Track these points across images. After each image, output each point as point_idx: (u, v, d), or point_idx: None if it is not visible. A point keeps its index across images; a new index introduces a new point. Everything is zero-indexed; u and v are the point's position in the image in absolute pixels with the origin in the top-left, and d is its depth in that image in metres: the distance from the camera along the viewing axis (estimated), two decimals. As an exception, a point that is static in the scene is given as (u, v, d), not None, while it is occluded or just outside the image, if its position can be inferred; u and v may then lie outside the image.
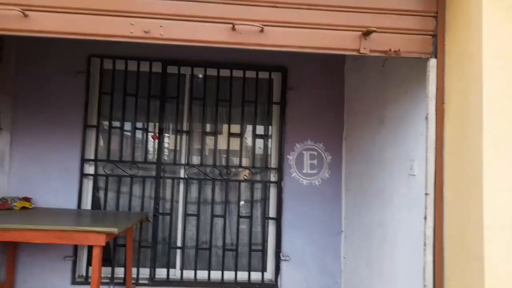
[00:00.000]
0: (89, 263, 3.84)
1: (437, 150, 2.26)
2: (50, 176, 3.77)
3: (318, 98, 3.91)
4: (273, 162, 3.98)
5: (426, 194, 2.26)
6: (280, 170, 3.86)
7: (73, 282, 3.68)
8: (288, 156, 3.86)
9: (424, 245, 2.25)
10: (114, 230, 2.81)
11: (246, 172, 3.92)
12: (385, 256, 2.88)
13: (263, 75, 3.94)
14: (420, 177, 2.43)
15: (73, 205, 3.76)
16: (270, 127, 3.98)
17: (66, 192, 3.77)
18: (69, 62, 3.84)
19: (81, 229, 2.82)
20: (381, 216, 2.98)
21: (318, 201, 3.84)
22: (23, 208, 3.55)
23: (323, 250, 3.81)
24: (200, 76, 4.00)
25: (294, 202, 3.83)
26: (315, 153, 3.86)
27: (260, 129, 4.04)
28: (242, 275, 3.85)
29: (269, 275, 3.93)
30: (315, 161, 3.85)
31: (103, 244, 2.83)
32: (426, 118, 2.30)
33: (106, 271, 3.78)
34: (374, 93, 3.25)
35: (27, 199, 3.64)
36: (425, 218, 2.26)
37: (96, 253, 2.82)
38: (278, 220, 3.83)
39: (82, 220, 3.34)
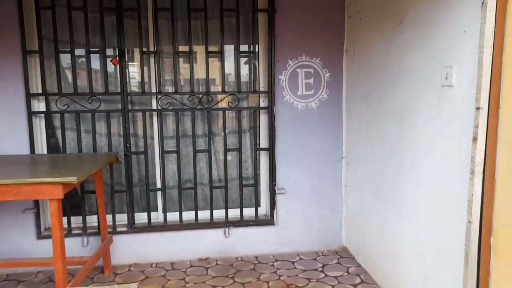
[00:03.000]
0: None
1: (494, 49, 1.65)
2: (-10, 117, 2.99)
3: (314, 2, 3.11)
4: (262, 85, 3.29)
5: (478, 108, 1.68)
6: (270, 93, 3.18)
7: (39, 236, 3.09)
8: (280, 76, 3.17)
9: (472, 173, 1.73)
10: (72, 179, 2.16)
11: (231, 98, 3.24)
12: (403, 186, 2.39)
13: (245, -26, 3.09)
14: (462, 87, 1.83)
15: (24, 150, 3.03)
16: (256, 42, 3.22)
17: (13, 136, 3.00)
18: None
19: (30, 181, 2.14)
20: (397, 139, 2.44)
21: (316, 126, 3.25)
22: (-40, 158, 2.82)
23: (321, 180, 3.32)
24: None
25: (288, 129, 3.23)
26: (311, 70, 3.18)
27: (244, 46, 3.28)
28: (234, 213, 3.36)
29: (263, 210, 3.46)
30: (311, 80, 3.19)
31: (61, 197, 2.19)
32: (483, 3, 1.65)
33: (77, 220, 3.21)
34: (386, -12, 2.52)
35: (-36, 147, 2.90)
36: (475, 139, 1.71)
37: (54, 209, 2.20)
38: (270, 150, 3.26)
39: (34, 168, 2.65)
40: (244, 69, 3.33)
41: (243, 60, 3.32)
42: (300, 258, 3.27)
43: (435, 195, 2.08)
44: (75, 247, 3.12)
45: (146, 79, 3.20)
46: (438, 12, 2.01)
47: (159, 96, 3.16)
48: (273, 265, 3.16)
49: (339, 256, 3.28)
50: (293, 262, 3.19)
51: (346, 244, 3.39)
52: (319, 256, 3.30)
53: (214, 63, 3.28)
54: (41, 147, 3.15)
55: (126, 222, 3.22)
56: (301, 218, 3.34)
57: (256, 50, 3.23)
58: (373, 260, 2.87)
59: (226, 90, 3.21)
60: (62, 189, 2.18)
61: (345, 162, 3.30)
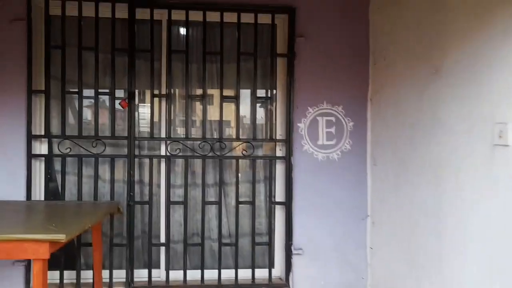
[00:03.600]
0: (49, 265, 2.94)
1: None
2: (-13, 160, 2.78)
3: (336, 47, 2.91)
4: (279, 133, 3.02)
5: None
6: (288, 142, 2.91)
7: (28, 292, 2.78)
8: (299, 124, 2.92)
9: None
10: (61, 237, 1.86)
11: (245, 146, 2.99)
12: (442, 254, 2.03)
13: (264, 18, 2.91)
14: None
15: (20, 195, 2.79)
16: (274, 87, 3.00)
17: (10, 179, 2.76)
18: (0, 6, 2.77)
19: (11, 237, 1.85)
20: (432, 199, 2.10)
21: (337, 179, 2.93)
22: None
23: (344, 240, 2.95)
24: (181, 21, 2.96)
25: (307, 181, 2.92)
26: (333, 118, 2.92)
27: (261, 91, 3.07)
28: (244, 274, 2.97)
29: (277, 272, 3.07)
30: (333, 129, 2.92)
31: (46, 257, 1.88)
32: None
33: (71, 275, 2.88)
34: (419, 31, 2.29)
35: (-45, 191, 2.67)
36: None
37: (38, 270, 1.88)
38: (287, 204, 2.93)
39: (22, 220, 2.36)
40: (260, 115, 3.11)
41: (259, 105, 3.10)
42: (319, 331, 2.83)
43: (484, 270, 1.72)
44: (65, 307, 2.78)
45: (155, 122, 2.99)
46: (489, 58, 1.75)
47: (168, 142, 2.93)
48: None
49: (363, 331, 2.84)
50: (310, 336, 2.76)
51: (372, 316, 2.95)
52: (341, 329, 2.87)
53: (229, 108, 3.06)
54: (39, 192, 2.89)
55: (124, 280, 2.87)
56: (320, 283, 2.93)
57: (274, 95, 3.00)
58: None
59: (240, 137, 2.96)
60: (49, 248, 1.88)
61: (370, 220, 2.94)
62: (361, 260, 2.96)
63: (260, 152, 3.09)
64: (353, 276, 2.95)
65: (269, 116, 3.01)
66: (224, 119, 2.96)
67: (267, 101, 3.06)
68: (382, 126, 2.74)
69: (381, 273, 2.79)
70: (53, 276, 2.80)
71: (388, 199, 2.65)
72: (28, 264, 2.77)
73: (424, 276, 2.19)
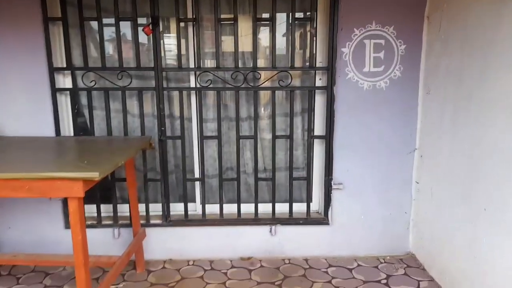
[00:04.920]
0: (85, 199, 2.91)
1: None
2: (11, 93, 2.58)
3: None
4: (319, 60, 2.67)
5: None
6: (330, 70, 2.56)
7: (67, 225, 2.77)
8: (343, 49, 2.54)
9: None
10: (94, 175, 1.72)
11: (281, 75, 2.69)
12: (508, 199, 1.78)
13: None
14: None
15: (49, 131, 2.66)
16: (315, 6, 2.56)
17: (37, 114, 2.61)
18: None
19: (43, 175, 1.72)
20: (506, 138, 1.80)
21: (384, 109, 2.62)
22: (-21, 140, 2.48)
23: (387, 174, 2.72)
24: None
25: (350, 113, 2.62)
26: (382, 41, 2.52)
27: (299, 14, 2.67)
28: (281, 208, 2.86)
29: (315, 206, 2.94)
30: (381, 54, 2.54)
31: (81, 195, 1.77)
32: None
33: (108, 208, 2.85)
34: None
35: (-16, 127, 2.56)
36: None
37: (74, 209, 1.78)
38: (327, 138, 2.68)
39: (54, 157, 2.24)
40: (298, 41, 2.75)
41: (297, 29, 2.73)
42: (359, 265, 2.74)
43: None
44: (105, 239, 2.76)
45: (183, 52, 2.69)
46: None
47: (198, 72, 2.65)
48: (326, 272, 2.66)
49: (405, 265, 2.72)
50: (350, 270, 2.67)
51: (413, 251, 2.81)
52: (381, 263, 2.76)
53: (263, 33, 2.71)
54: (68, 127, 2.76)
55: (161, 214, 2.82)
56: (360, 218, 2.79)
57: (315, 16, 2.58)
58: (454, 277, 2.28)
59: (276, 65, 2.66)
60: (83, 186, 1.75)
61: (418, 154, 2.68)
62: (405, 195, 2.76)
63: (298, 83, 2.79)
64: (395, 210, 2.78)
65: (308, 41, 2.64)
66: (258, 50, 2.62)
67: (306, 23, 2.67)
68: (441, 49, 2.33)
69: (426, 208, 2.59)
70: (91, 209, 2.78)
71: (443, 132, 2.34)
72: (65, 199, 2.75)
73: (483, 218, 1.97)
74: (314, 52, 2.64)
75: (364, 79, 2.58)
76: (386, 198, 2.77)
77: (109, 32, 2.70)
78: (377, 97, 2.60)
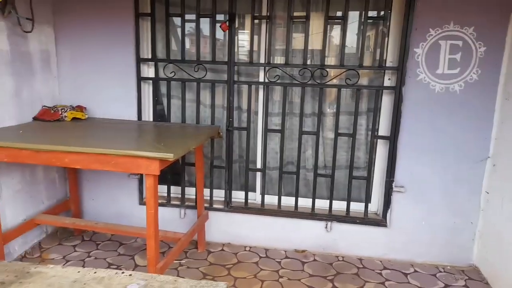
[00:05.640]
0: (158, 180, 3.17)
1: None
2: (104, 81, 2.89)
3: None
4: (390, 60, 2.61)
5: None
6: (400, 70, 2.49)
7: (141, 202, 3.03)
8: (416, 49, 2.45)
9: None
10: (169, 155, 1.89)
11: (349, 73, 2.68)
12: None
13: None
14: None
15: (132, 115, 2.94)
16: (389, 5, 2.51)
17: (123, 100, 2.90)
18: None
19: (129, 153, 1.93)
20: None
21: (456, 114, 2.49)
22: (75, 119, 2.81)
23: (455, 181, 2.58)
24: None
25: (418, 115, 2.53)
26: (460, 43, 2.39)
27: (372, 13, 2.63)
28: (338, 206, 2.85)
29: (374, 207, 2.88)
30: (457, 56, 2.41)
31: (157, 173, 1.95)
32: None
33: (176, 190, 3.07)
34: None
35: (80, 108, 2.90)
36: None
37: (150, 184, 1.98)
38: (392, 139, 2.61)
39: (136, 139, 2.48)
40: (369, 41, 2.71)
41: (370, 28, 2.69)
42: (415, 271, 2.64)
43: None
44: (172, 218, 2.99)
45: (255, 48, 2.80)
46: None
47: (267, 68, 2.74)
48: (380, 273, 2.61)
49: (466, 277, 2.56)
50: (406, 275, 2.59)
51: (477, 264, 2.64)
52: (440, 272, 2.63)
53: (334, 31, 2.71)
54: (148, 113, 3.02)
55: (223, 199, 2.97)
56: (421, 223, 2.68)
57: (388, 15, 2.52)
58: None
59: (345, 63, 2.65)
60: (159, 165, 1.94)
61: (490, 163, 2.50)
62: (472, 204, 2.60)
63: (366, 82, 2.76)
64: (460, 219, 2.63)
65: (380, 40, 2.59)
66: (327, 48, 2.64)
67: (379, 22, 2.62)
68: (526, 51, 2.17)
69: (495, 220, 2.42)
70: (162, 190, 3.02)
71: (521, 140, 2.18)
72: (141, 177, 3.01)
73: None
74: (385, 51, 2.59)
75: (437, 81, 2.46)
76: (451, 205, 2.63)
77: (188, 28, 2.90)
78: (449, 100, 2.47)
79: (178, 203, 3.00)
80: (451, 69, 2.44)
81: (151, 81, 2.93)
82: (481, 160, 2.52)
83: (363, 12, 2.54)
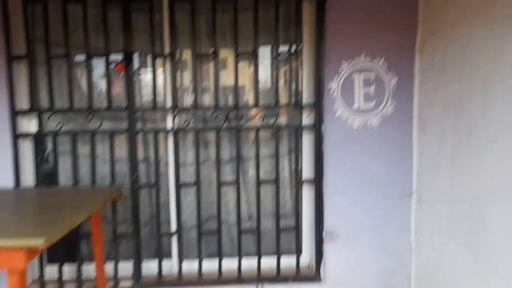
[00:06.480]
0: (47, 257, 2.49)
1: None
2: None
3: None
4: (306, 96, 2.43)
5: None
6: (318, 106, 2.32)
7: (22, 291, 2.33)
8: (331, 84, 2.33)
9: None
10: (38, 242, 1.36)
11: (265, 113, 2.44)
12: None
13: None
14: None
15: (6, 181, 2.29)
16: (300, 39, 2.35)
17: (-6, 163, 2.30)
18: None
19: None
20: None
21: (377, 150, 2.34)
22: None
23: (383, 221, 2.39)
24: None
25: (341, 154, 2.34)
26: (372, 75, 2.30)
27: (284, 47, 2.46)
28: (268, 262, 2.46)
29: (306, 259, 2.55)
30: (371, 88, 2.32)
31: (22, 267, 1.40)
32: None
33: (72, 269, 2.42)
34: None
35: None
36: None
37: (13, 285, 1.41)
38: (317, 182, 2.38)
39: (1, 215, 1.89)
40: (283, 76, 2.53)
41: (282, 63, 2.52)
42: (359, 328, 2.34)
43: None
44: (65, 306, 2.33)
45: (159, 90, 2.44)
46: None
47: (175, 112, 2.39)
48: (323, 338, 2.25)
49: (412, 326, 2.33)
50: (350, 334, 2.28)
51: (419, 308, 2.44)
52: (385, 324, 2.37)
53: (245, 68, 2.48)
54: (30, 176, 2.40)
55: (132, 273, 2.41)
56: (356, 271, 2.42)
57: (299, 48, 2.36)
58: None
59: (260, 102, 2.41)
60: (25, 257, 1.38)
61: (416, 198, 2.39)
62: (404, 243, 2.41)
63: (284, 119, 2.54)
64: (393, 262, 2.41)
65: (294, 75, 2.42)
66: (239, 82, 2.39)
67: (291, 57, 2.46)
68: (437, 80, 2.12)
69: (428, 259, 2.25)
70: (52, 270, 2.36)
71: (442, 172, 2.06)
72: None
73: (495, 276, 1.65)
74: (300, 87, 2.41)
75: (355, 115, 2.32)
76: (383, 248, 2.41)
77: (76, 68, 2.45)
78: (369, 136, 2.34)
79: (75, 286, 2.35)
80: (366, 103, 2.32)
81: (32, 137, 2.36)
82: (406, 195, 2.39)
83: (274, 46, 2.36)
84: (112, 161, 2.36)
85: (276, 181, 2.41)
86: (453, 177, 1.98)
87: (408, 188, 2.39)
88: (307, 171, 2.47)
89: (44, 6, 2.24)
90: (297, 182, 2.43)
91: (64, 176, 2.45)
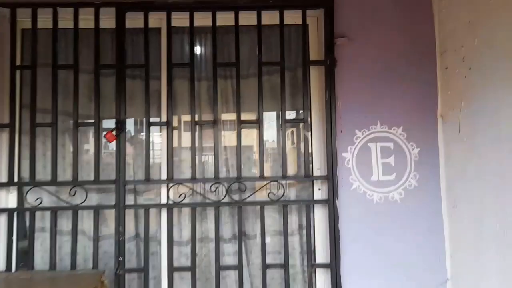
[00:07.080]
0: None
1: None
2: None
3: (390, 50, 2.07)
4: (317, 167, 2.14)
5: None
6: (331, 179, 2.03)
7: None
8: (344, 154, 2.05)
9: None
10: None
11: (272, 186, 2.15)
12: None
13: (292, 17, 2.11)
14: None
15: (-27, 265, 1.98)
16: (308, 106, 2.12)
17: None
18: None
19: None
20: None
21: (401, 228, 2.01)
22: None
23: (415, 314, 2.02)
24: (184, 28, 2.17)
25: (359, 233, 2.00)
26: (391, 144, 2.05)
27: (291, 112, 2.24)
28: None
29: None
30: (391, 159, 2.04)
31: None
32: None
33: None
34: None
35: None
36: None
37: None
38: (333, 266, 2.01)
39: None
40: (291, 145, 2.28)
41: (289, 131, 2.29)
42: None
43: None
44: None
45: (152, 161, 2.18)
46: None
47: (170, 185, 2.11)
48: None
49: None
50: None
51: None
52: None
53: (249, 137, 2.24)
54: (3, 257, 2.07)
55: None
56: None
57: (308, 116, 2.12)
58: None
59: (265, 174, 2.13)
60: None
61: (451, 286, 2.01)
62: None
63: (293, 195, 2.24)
64: None
65: (303, 145, 2.16)
66: (243, 152, 2.14)
67: (300, 125, 2.23)
68: (466, 152, 1.85)
69: None
70: None
71: (483, 258, 1.73)
72: None
73: None
74: (311, 158, 2.14)
75: (373, 189, 2.02)
76: None
77: (63, 137, 2.21)
78: (391, 211, 2.01)
79: None
80: (386, 175, 2.03)
81: (6, 213, 2.06)
82: (441, 283, 2.01)
83: (281, 113, 2.13)
84: (96, 241, 2.03)
85: (285, 265, 2.04)
86: (499, 263, 1.62)
87: (442, 275, 2.01)
88: (321, 254, 2.11)
89: (33, 72, 2.06)
90: (310, 266, 2.07)
91: (41, 259, 2.11)
